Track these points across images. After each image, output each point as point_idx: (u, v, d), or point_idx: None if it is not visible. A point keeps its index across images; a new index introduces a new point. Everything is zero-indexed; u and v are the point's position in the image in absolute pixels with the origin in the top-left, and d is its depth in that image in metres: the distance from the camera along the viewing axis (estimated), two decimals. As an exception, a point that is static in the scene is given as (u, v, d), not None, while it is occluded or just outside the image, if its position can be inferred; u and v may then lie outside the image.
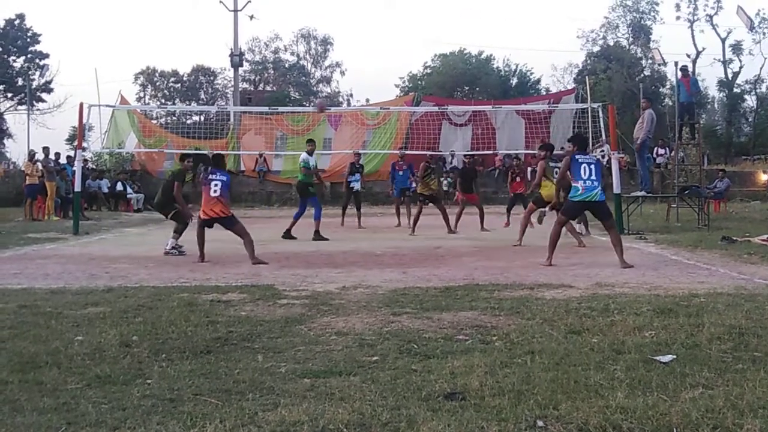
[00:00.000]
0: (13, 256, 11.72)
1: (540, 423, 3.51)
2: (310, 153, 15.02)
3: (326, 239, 14.25)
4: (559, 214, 10.39)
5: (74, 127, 31.87)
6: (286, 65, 64.84)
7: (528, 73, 56.64)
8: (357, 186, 18.66)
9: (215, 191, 10.73)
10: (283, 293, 7.52)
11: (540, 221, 14.02)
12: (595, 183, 9.80)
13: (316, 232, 14.47)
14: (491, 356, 4.73)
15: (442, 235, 15.12)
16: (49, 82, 50.41)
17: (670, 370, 4.34)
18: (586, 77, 36.82)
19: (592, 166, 9.85)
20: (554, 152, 13.74)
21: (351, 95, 63.14)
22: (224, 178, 10.88)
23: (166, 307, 6.59)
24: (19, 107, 49.88)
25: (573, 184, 9.88)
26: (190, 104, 56.45)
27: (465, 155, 21.25)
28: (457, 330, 5.63)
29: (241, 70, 43.54)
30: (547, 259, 9.84)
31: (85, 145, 18.63)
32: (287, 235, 14.43)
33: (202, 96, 61.60)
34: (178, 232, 12.06)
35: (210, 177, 10.86)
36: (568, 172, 10.00)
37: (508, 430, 3.44)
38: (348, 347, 5.10)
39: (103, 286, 8.16)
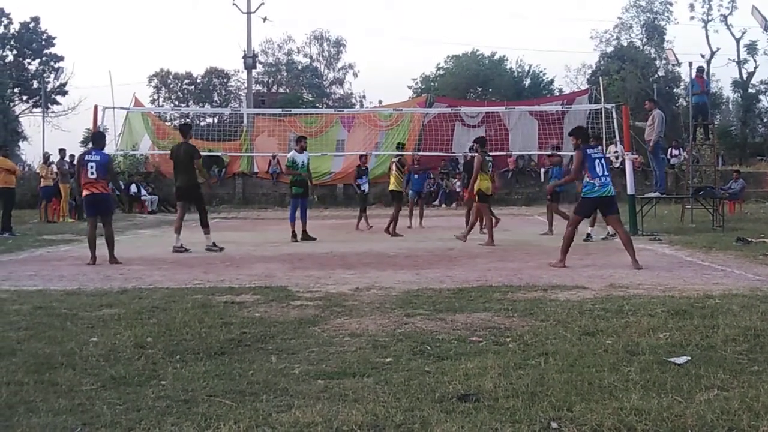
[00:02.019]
0: (29, 258, 11.81)
1: (554, 425, 3.51)
2: (300, 151, 14.62)
3: (297, 240, 14.34)
4: (573, 213, 10.32)
5: (89, 129, 32.02)
6: (299, 67, 64.92)
7: (541, 74, 56.39)
8: (366, 188, 18.54)
9: (92, 173, 10.90)
10: (297, 294, 7.53)
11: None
12: (609, 178, 9.84)
13: (293, 233, 14.53)
14: (505, 358, 4.72)
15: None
16: (64, 85, 50.73)
17: (685, 372, 4.32)
18: (600, 78, 36.69)
19: (603, 161, 9.92)
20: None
21: (364, 97, 63.10)
22: (98, 158, 11.03)
23: (180, 309, 6.61)
24: (34, 110, 50.22)
25: (588, 180, 9.81)
26: (203, 106, 56.54)
27: (466, 154, 20.95)
28: (470, 331, 5.63)
29: (254, 72, 43.67)
30: (560, 261, 9.78)
31: (99, 147, 18.68)
32: (305, 236, 14.45)
33: (216, 98, 61.73)
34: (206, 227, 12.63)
35: (86, 158, 11.08)
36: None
37: (522, 432, 3.44)
38: (361, 348, 5.11)
39: (117, 287, 8.20)
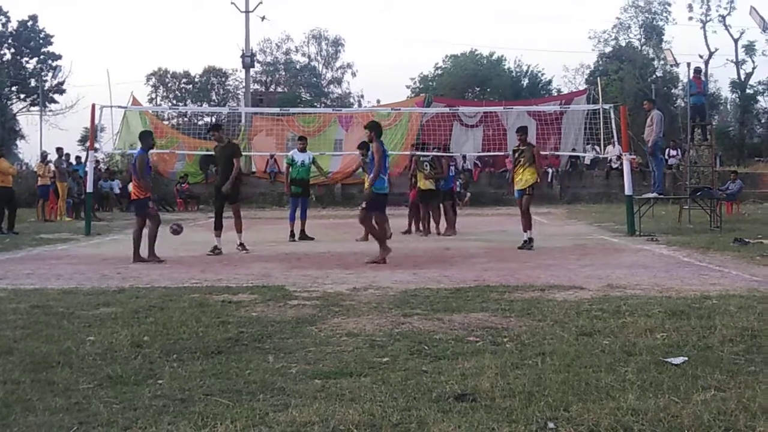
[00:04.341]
0: (26, 257, 11.79)
1: (551, 425, 3.51)
2: (301, 150, 14.62)
3: (295, 240, 14.35)
4: (369, 211, 10.34)
5: (86, 128, 32.02)
6: (297, 66, 64.83)
7: (539, 74, 56.30)
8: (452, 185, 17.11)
9: (132, 172, 11.07)
10: (294, 294, 7.53)
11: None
12: None
13: (291, 233, 14.52)
14: (502, 358, 4.73)
15: (452, 237, 15.10)
16: (62, 83, 50.58)
17: (682, 372, 4.33)
18: (598, 78, 36.76)
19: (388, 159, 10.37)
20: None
21: (362, 96, 62.99)
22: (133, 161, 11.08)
23: (177, 308, 6.61)
24: (32, 108, 50.11)
25: (381, 176, 10.11)
26: (201, 105, 56.52)
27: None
28: (467, 331, 5.63)
29: (252, 71, 43.63)
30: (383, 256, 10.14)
31: (97, 146, 18.66)
32: (303, 235, 14.44)
33: (214, 97, 61.65)
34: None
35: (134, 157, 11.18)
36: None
37: (519, 432, 3.44)
38: (358, 348, 5.11)
39: (114, 286, 8.20)
